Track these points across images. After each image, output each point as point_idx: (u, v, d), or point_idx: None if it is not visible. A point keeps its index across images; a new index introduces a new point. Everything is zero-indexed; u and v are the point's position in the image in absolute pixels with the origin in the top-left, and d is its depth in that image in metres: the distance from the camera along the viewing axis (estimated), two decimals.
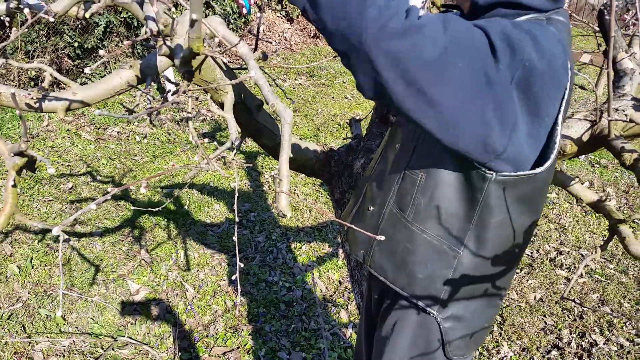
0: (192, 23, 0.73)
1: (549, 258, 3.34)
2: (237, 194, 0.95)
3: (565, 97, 0.93)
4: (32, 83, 4.99)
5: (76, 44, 5.06)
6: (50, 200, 3.33)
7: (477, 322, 1.15)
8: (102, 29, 5.17)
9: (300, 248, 3.22)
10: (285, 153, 1.09)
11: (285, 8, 7.71)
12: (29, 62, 4.99)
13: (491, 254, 1.06)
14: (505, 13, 0.97)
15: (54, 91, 1.05)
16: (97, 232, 3.09)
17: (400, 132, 1.14)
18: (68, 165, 3.78)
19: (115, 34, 5.55)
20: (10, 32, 0.96)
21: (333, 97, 5.88)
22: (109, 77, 1.07)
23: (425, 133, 0.94)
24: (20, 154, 0.85)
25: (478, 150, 0.88)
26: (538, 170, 0.95)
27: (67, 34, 5.00)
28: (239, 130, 1.27)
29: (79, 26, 5.15)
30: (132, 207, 3.28)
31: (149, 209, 1.21)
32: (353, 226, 0.84)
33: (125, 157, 3.98)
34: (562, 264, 3.26)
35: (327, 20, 0.82)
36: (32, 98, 1.01)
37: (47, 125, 4.33)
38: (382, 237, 0.78)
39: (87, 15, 1.16)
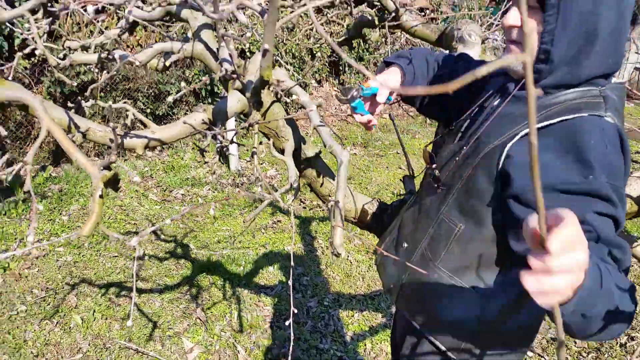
0: (264, 53, 0.82)
1: (618, 343, 3.11)
2: (293, 245, 1.00)
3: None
4: (106, 147, 5.38)
5: (148, 110, 5.46)
6: (115, 256, 3.49)
7: None
8: (172, 98, 5.58)
9: (353, 316, 3.18)
10: (342, 191, 1.15)
11: (342, 83, 8.05)
12: (104, 123, 5.41)
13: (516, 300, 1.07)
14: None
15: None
16: (157, 289, 3.19)
17: (443, 178, 1.18)
18: (134, 224, 3.98)
19: (184, 103, 5.97)
20: (101, 83, 1.10)
21: (387, 167, 5.96)
22: (184, 119, 1.20)
23: (475, 191, 1.00)
24: (108, 167, 0.95)
25: None
26: None
27: (140, 101, 5.42)
28: (297, 173, 1.36)
29: (152, 94, 5.58)
30: (190, 266, 3.39)
31: (211, 251, 1.27)
32: (391, 255, 0.86)
33: (188, 218, 4.15)
34: (634, 351, 3.03)
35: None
36: (116, 134, 1.13)
37: None
38: (425, 272, 0.80)
39: (168, 63, 1.31)
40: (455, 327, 1.12)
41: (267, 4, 0.86)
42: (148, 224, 4.00)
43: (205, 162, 5.16)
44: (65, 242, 3.56)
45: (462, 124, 1.21)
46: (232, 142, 1.67)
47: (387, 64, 1.33)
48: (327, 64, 7.68)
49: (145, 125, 1.30)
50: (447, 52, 2.22)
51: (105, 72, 1.40)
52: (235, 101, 1.33)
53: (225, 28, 1.08)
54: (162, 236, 3.81)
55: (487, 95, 1.18)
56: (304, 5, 1.24)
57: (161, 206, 4.35)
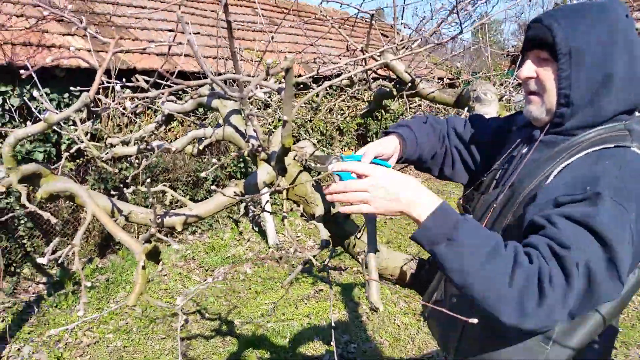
0: (284, 124, 0.91)
1: None
2: (332, 308, 1.04)
3: None
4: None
5: (187, 197, 5.68)
6: (163, 338, 3.54)
7: None
8: (210, 183, 5.81)
9: None
10: (372, 244, 1.19)
11: None
12: (146, 207, 5.64)
13: (577, 345, 1.04)
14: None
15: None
16: None
17: None
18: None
19: (222, 187, 6.19)
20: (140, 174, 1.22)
21: None
22: (219, 195, 1.30)
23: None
24: (149, 240, 1.03)
25: None
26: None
27: (180, 189, 5.66)
28: (328, 233, 1.41)
29: (190, 182, 5.83)
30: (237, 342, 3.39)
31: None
32: (444, 310, 0.89)
33: (231, 295, 4.20)
34: None
35: (455, 277, 0.90)
36: (156, 213, 1.22)
37: (161, 270, 4.74)
38: (475, 320, 0.82)
39: (201, 147, 1.44)
40: None
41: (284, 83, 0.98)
42: (192, 304, 4.07)
43: (240, 233, 5.34)
44: (114, 328, 3.64)
45: (494, 174, 1.25)
46: (263, 210, 1.75)
47: (387, 134, 1.39)
48: (355, 137, 7.96)
49: (183, 205, 1.41)
50: (462, 113, 2.28)
51: (144, 159, 1.53)
52: (264, 174, 1.44)
53: (250, 109, 1.22)
54: (207, 315, 3.86)
55: (515, 145, 1.23)
56: (324, 83, 1.36)
57: (204, 286, 4.42)
